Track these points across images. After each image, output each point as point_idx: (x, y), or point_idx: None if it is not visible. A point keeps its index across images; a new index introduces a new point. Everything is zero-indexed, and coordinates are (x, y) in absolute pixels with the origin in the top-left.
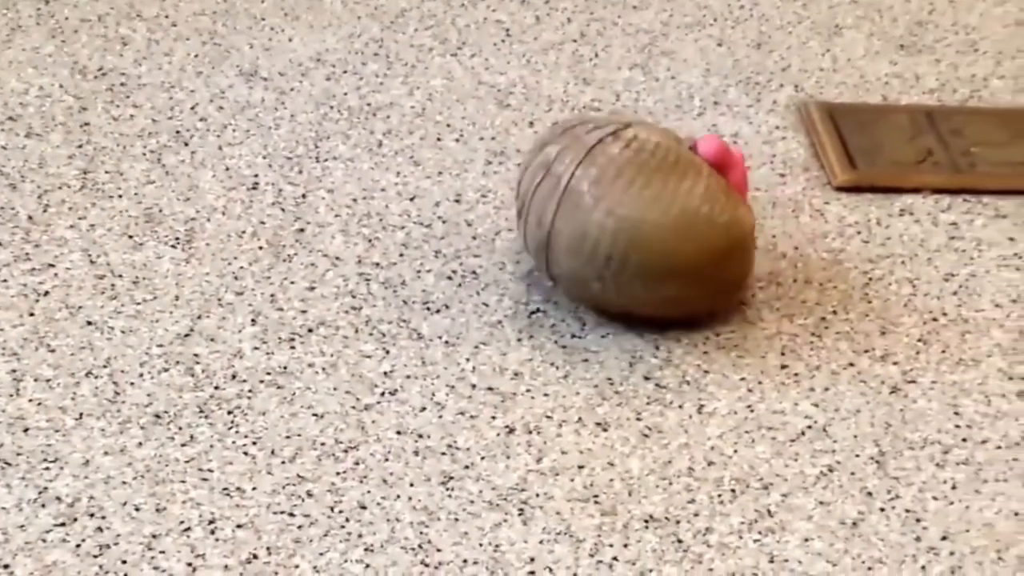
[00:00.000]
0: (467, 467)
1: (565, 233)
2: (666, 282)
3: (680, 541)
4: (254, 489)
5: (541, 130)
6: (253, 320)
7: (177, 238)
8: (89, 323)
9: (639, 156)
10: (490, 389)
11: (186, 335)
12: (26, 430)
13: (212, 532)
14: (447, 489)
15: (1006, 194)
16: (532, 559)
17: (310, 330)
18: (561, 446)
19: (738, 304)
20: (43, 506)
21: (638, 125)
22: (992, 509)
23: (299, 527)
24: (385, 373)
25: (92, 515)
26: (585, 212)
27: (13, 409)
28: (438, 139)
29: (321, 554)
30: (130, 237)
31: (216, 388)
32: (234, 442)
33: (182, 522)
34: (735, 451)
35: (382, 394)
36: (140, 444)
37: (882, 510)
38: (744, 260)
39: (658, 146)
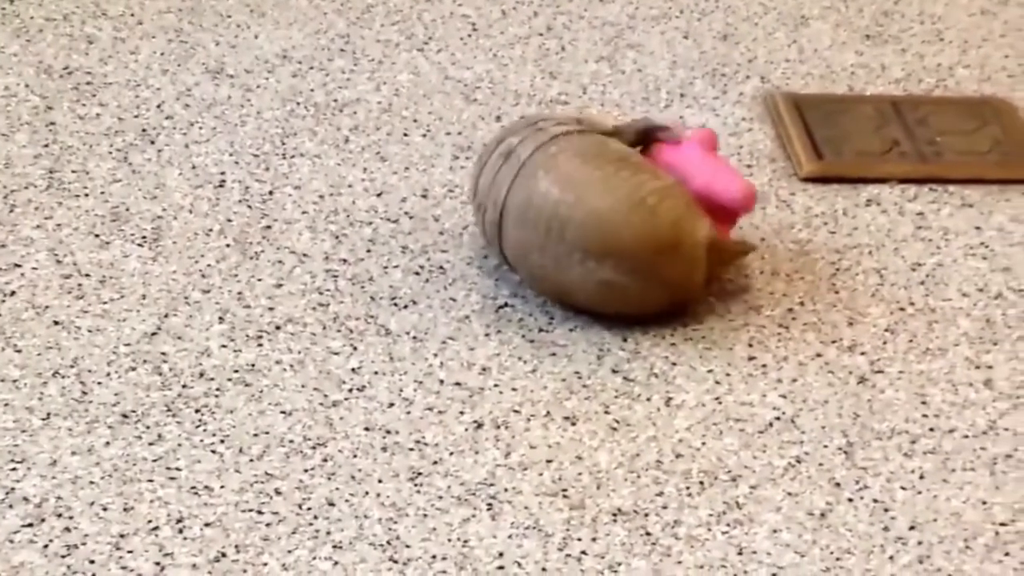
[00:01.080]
0: (435, 463)
1: (514, 204)
2: (602, 262)
3: (649, 534)
4: (222, 487)
5: (508, 124)
6: (220, 318)
7: (144, 237)
8: (56, 323)
9: (602, 147)
10: (458, 384)
11: (153, 334)
12: None
13: (180, 531)
14: (415, 485)
15: (972, 183)
16: (501, 554)
17: (278, 327)
18: (529, 440)
19: (704, 296)
20: (10, 507)
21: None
22: (960, 498)
23: (267, 525)
24: (353, 369)
25: (60, 515)
26: (534, 182)
27: None
28: (405, 134)
29: (289, 551)
30: (97, 236)
31: (184, 387)
32: (202, 440)
33: (150, 521)
34: (703, 443)
35: (350, 390)
36: (107, 444)
37: (850, 500)
38: (688, 264)
39: (626, 147)
